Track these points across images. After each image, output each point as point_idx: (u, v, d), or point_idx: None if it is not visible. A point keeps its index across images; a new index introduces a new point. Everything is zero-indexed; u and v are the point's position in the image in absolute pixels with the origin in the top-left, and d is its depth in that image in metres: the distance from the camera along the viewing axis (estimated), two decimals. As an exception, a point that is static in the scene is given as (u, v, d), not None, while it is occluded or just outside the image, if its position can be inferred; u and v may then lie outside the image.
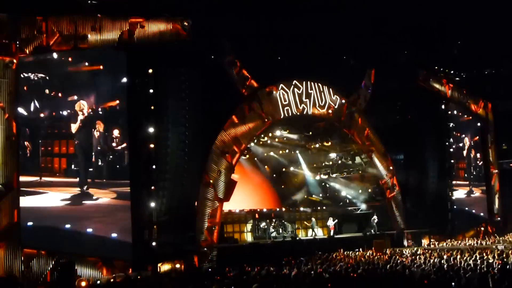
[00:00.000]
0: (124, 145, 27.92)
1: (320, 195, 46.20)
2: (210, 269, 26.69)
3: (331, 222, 41.79)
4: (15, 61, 23.68)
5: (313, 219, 41.90)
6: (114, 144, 28.00)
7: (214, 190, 31.30)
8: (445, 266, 20.72)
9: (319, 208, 45.45)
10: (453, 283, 15.46)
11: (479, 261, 21.85)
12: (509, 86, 45.95)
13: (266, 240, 37.78)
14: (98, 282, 23.67)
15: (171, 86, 29.36)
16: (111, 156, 28.20)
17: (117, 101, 27.78)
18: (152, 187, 27.79)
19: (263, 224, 39.38)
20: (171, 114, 29.39)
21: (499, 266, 19.38)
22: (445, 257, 25.32)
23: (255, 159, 42.71)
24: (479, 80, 47.28)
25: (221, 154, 31.83)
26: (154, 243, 27.32)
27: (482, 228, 46.26)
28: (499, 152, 50.16)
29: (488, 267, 19.35)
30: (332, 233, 40.91)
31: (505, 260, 21.27)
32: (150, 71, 28.11)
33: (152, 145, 27.83)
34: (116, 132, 28.09)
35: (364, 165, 42.89)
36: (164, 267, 27.51)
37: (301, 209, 44.54)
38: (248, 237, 39.22)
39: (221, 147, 31.96)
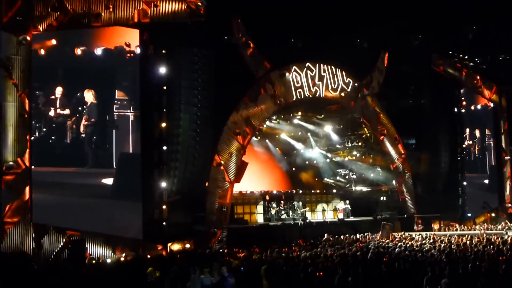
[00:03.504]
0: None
1: (331, 177, 46.14)
2: (220, 250, 26.66)
3: (342, 206, 41.74)
4: (28, 38, 23.58)
5: (300, 203, 41.75)
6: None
7: (225, 171, 31.26)
8: (454, 251, 20.64)
9: (330, 191, 45.54)
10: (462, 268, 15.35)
11: (489, 246, 21.76)
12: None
13: (276, 221, 37.80)
14: (108, 260, 23.71)
15: (184, 66, 29.19)
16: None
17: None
18: (164, 167, 27.77)
19: (273, 205, 39.44)
20: (183, 94, 29.25)
21: (508, 252, 19.28)
22: (454, 242, 25.27)
23: (267, 140, 42.57)
24: (494, 66, 46.79)
25: (232, 135, 31.75)
26: (164, 223, 27.35)
27: (493, 214, 46.07)
28: (512, 138, 49.85)
29: (497, 252, 19.26)
30: (341, 216, 40.83)
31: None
32: (164, 51, 27.98)
33: (164, 125, 27.72)
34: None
35: (375, 149, 42.72)
36: (174, 246, 27.51)
37: (312, 191, 44.60)
38: (259, 219, 39.22)
39: (233, 128, 31.87)
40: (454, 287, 13.72)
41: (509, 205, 47.90)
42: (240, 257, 21.73)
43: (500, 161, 48.53)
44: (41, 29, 24.31)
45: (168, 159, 28.16)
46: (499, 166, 48.43)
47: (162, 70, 27.73)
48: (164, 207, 27.42)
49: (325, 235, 31.85)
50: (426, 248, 22.16)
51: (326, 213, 43.08)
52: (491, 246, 21.68)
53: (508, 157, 48.82)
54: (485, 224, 42.00)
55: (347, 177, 45.97)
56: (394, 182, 42.22)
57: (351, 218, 40.59)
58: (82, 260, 23.01)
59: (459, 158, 43.72)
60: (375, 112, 39.93)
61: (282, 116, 39.92)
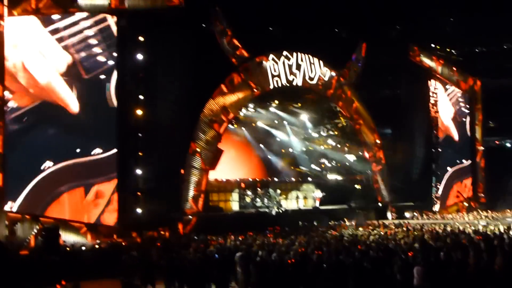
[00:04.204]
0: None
1: (306, 166, 46.42)
2: (196, 238, 26.73)
3: (318, 194, 42.12)
4: (2, 23, 23.35)
5: (278, 191, 41.96)
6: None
7: (200, 159, 31.31)
8: (427, 239, 20.92)
9: (305, 179, 45.87)
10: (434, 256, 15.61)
11: (461, 235, 22.10)
12: (499, 64, 46.06)
13: (251, 209, 37.98)
14: (83, 248, 23.67)
15: (161, 53, 29.00)
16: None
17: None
18: (140, 154, 27.75)
19: (249, 193, 39.62)
20: (160, 82, 29.17)
21: (480, 241, 19.59)
22: (427, 230, 25.66)
23: (243, 128, 42.67)
24: (470, 58, 47.32)
25: (208, 123, 31.78)
26: (139, 210, 27.39)
27: (466, 204, 46.74)
28: (486, 130, 50.52)
29: (469, 242, 19.56)
30: (317, 204, 41.23)
31: (486, 236, 21.52)
32: (141, 38, 27.88)
33: (140, 112, 27.68)
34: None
35: (351, 138, 43.05)
36: (149, 234, 27.58)
37: (287, 179, 44.89)
38: (234, 206, 39.40)
39: (209, 116, 31.87)
40: (427, 275, 13.98)
41: (482, 194, 48.67)
42: (215, 244, 21.83)
43: (474, 152, 49.24)
44: (16, 14, 24.12)
45: (144, 147, 28.14)
46: (473, 156, 49.11)
47: (139, 57, 27.67)
48: (139, 194, 27.46)
49: (300, 222, 32.10)
50: (399, 237, 22.47)
51: (301, 201, 43.46)
52: (463, 236, 22.03)
53: (482, 148, 49.52)
54: (458, 213, 42.67)
55: (322, 165, 46.32)
56: (369, 171, 42.64)
57: (326, 207, 40.91)
58: (56, 248, 22.96)
59: (433, 150, 44.33)
60: (351, 101, 40.24)
61: (259, 104, 39.99)
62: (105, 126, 27.24)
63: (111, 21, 26.71)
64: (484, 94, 49.64)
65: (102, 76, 27.01)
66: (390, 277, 14.74)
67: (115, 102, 27.08)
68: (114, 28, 26.82)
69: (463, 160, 48.73)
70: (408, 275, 14.27)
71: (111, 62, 26.94)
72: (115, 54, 27.02)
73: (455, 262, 15.03)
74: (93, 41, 26.71)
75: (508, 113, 47.61)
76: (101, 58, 26.92)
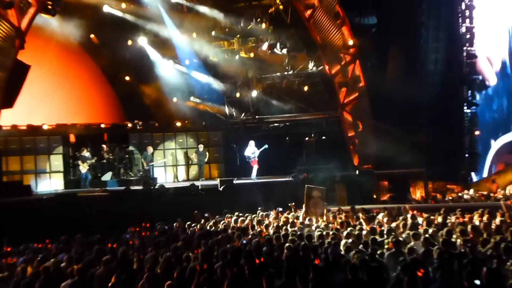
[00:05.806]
0: None
1: (210, 96, 46.45)
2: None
3: (253, 151, 41.68)
4: None
5: (149, 150, 41.78)
6: None
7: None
8: (456, 242, 21.09)
9: (201, 124, 45.90)
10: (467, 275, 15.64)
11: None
12: None
13: (92, 187, 37.79)
14: None
15: None
16: None
17: None
18: None
19: (85, 155, 39.33)
20: None
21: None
22: (456, 223, 25.89)
23: (72, 19, 41.80)
24: None
25: (-2, 9, 31.19)
26: None
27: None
28: None
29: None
30: (254, 173, 40.98)
31: None
32: None
33: None
34: None
35: (295, 36, 43.04)
36: None
37: (165, 124, 44.86)
38: (54, 183, 39.10)
39: (0, -7, 31.29)
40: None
41: None
42: (14, 264, 21.52)
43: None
44: None
45: None
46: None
47: None
48: None
49: (195, 213, 31.97)
50: (402, 238, 22.56)
51: (195, 169, 43.52)
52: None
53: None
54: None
55: (238, 94, 46.28)
56: (335, 105, 42.77)
57: (251, 180, 40.94)
58: None
59: (465, 56, 44.53)
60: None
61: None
62: None
63: None
64: None
65: None
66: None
67: None
68: None
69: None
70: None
71: None
72: None
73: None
74: None
75: None
76: None
